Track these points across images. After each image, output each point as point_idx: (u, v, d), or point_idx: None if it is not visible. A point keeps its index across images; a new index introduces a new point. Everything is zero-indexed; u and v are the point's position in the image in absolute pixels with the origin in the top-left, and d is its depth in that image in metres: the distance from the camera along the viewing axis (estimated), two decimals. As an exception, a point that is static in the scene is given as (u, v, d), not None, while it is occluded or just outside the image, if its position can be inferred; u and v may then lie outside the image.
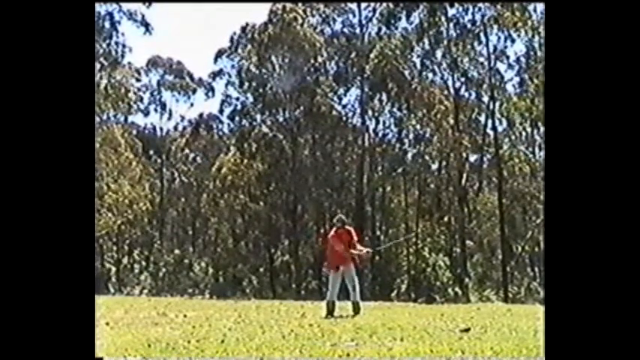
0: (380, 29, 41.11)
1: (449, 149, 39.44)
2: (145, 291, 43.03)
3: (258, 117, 43.75)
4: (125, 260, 49.87)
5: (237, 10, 67.79)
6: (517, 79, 39.43)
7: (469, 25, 38.89)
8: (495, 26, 38.37)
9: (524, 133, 42.34)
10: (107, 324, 13.22)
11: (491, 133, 40.19)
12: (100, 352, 7.07)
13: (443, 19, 39.03)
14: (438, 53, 40.27)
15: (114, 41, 39.56)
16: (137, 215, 43.20)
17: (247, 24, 43.00)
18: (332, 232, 13.36)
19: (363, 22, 41.48)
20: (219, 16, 67.11)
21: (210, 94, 49.55)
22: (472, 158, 41.58)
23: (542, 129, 38.61)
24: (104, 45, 37.92)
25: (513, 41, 38.84)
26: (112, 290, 43.59)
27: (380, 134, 42.73)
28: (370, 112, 42.10)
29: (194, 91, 50.93)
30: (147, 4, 39.85)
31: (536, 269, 42.70)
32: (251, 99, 44.00)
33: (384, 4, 40.66)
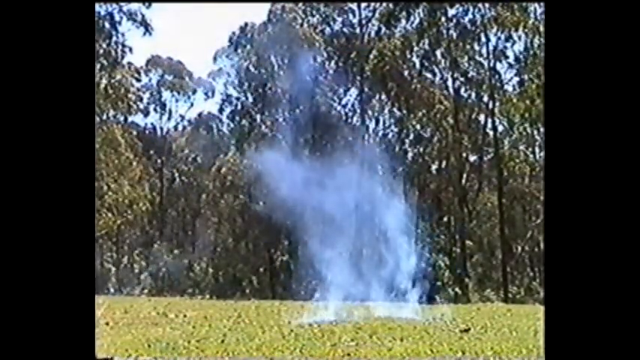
0: (380, 29, 41.10)
1: (449, 149, 39.43)
2: (145, 291, 43.01)
3: (258, 117, 43.77)
4: (125, 260, 49.87)
5: (236, 10, 67.78)
6: (517, 79, 39.41)
7: (469, 25, 38.85)
8: (495, 26, 38.35)
9: (524, 133, 42.29)
10: (107, 324, 13.24)
11: (491, 133, 40.18)
12: (100, 352, 7.07)
13: (443, 19, 39.01)
14: (438, 53, 40.23)
15: (114, 41, 39.57)
16: (137, 215, 43.20)
17: (247, 24, 43.02)
18: None
19: (363, 22, 41.48)
20: (218, 16, 67.09)
21: (210, 94, 49.54)
22: (472, 158, 41.56)
23: (542, 129, 38.57)
24: (104, 45, 37.93)
25: (513, 41, 38.85)
26: (112, 290, 43.58)
27: (380, 134, 42.73)
28: (370, 112, 42.09)
29: (194, 91, 50.92)
30: (147, 4, 39.89)
31: (536, 269, 42.68)
32: (251, 99, 44.02)
33: (384, 4, 40.64)
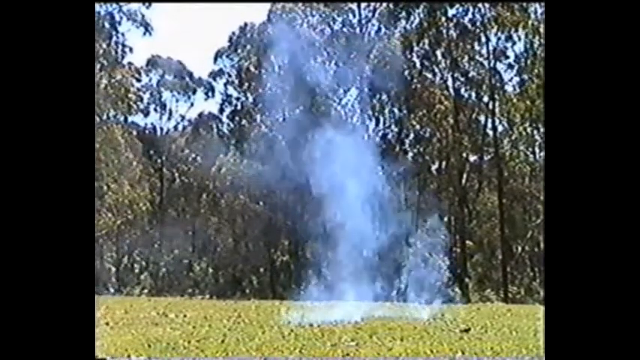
0: (380, 29, 41.11)
1: (449, 149, 39.43)
2: (145, 291, 42.99)
3: (258, 117, 43.77)
4: (125, 260, 49.83)
5: (236, 10, 67.72)
6: (517, 79, 39.42)
7: (469, 25, 38.86)
8: (495, 26, 38.36)
9: (524, 133, 42.26)
10: (107, 324, 13.24)
11: (491, 133, 40.17)
12: (100, 352, 7.07)
13: (443, 19, 39.01)
14: (438, 53, 40.24)
15: (114, 41, 39.62)
16: (137, 215, 43.20)
17: (246, 24, 43.04)
18: None
19: (363, 22, 41.47)
20: (219, 16, 67.03)
21: (210, 94, 49.40)
22: (472, 158, 41.54)
23: (542, 129, 38.56)
24: (104, 45, 37.95)
25: (513, 41, 38.85)
26: (112, 290, 43.54)
27: (380, 134, 42.71)
28: (370, 112, 42.09)
29: (194, 91, 50.77)
30: (147, 4, 39.94)
31: (536, 269, 42.65)
32: (251, 99, 44.02)
33: (384, 4, 40.65)
